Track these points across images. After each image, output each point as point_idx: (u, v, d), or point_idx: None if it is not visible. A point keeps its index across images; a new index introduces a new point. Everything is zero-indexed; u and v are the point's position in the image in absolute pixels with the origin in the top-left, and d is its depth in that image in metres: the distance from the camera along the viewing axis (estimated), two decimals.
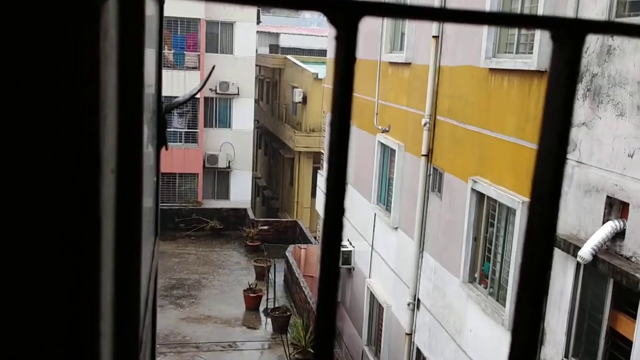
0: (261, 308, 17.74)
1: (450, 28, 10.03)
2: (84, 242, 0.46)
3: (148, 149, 1.20)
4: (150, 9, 1.10)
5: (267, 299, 17.48)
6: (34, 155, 0.44)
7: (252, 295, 17.69)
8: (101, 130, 0.45)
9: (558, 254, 6.95)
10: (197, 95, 25.54)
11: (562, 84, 0.42)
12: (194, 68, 25.69)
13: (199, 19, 25.66)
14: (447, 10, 0.44)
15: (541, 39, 7.40)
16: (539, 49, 7.42)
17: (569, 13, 6.91)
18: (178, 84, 25.15)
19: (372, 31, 13.51)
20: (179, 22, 25.70)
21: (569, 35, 0.42)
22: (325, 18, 0.44)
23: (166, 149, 1.48)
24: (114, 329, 0.60)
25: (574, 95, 0.43)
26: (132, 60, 0.61)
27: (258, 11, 27.65)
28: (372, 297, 13.34)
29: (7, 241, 0.45)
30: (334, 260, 0.43)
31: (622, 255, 6.04)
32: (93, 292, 0.46)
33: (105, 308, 0.53)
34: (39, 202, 0.45)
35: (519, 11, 8.24)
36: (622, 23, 0.47)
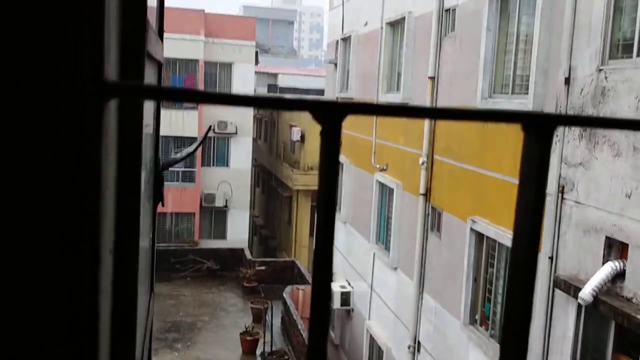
0: (258, 352, 17.46)
1: (446, 70, 10.17)
2: (80, 330, 0.45)
3: (146, 207, 1.20)
4: (148, 74, 1.11)
5: (264, 342, 17.22)
6: (35, 247, 0.44)
7: (248, 338, 17.43)
8: (102, 222, 0.45)
9: (559, 295, 6.89)
10: (196, 135, 25.68)
11: (535, 172, 0.45)
12: (192, 108, 25.90)
13: (198, 60, 26.01)
14: (423, 107, 0.47)
15: (536, 80, 7.50)
16: (535, 90, 7.51)
17: (563, 57, 7.01)
18: (176, 123, 25.33)
19: (369, 71, 13.70)
20: (177, 63, 26.03)
21: (539, 128, 0.45)
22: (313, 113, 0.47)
23: (162, 205, 1.48)
24: None
25: (545, 182, 0.47)
26: (131, 148, 0.62)
27: (256, 52, 28.06)
28: (372, 340, 13.16)
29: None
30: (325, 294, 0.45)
31: (622, 296, 5.99)
32: None
33: None
34: (41, 285, 0.45)
35: (512, 58, 8.36)
36: (590, 117, 0.54)
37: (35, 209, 0.44)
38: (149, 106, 1.37)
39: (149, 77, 1.14)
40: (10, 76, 0.42)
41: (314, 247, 0.50)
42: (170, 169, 26.12)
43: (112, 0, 0.54)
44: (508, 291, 0.55)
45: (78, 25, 0.42)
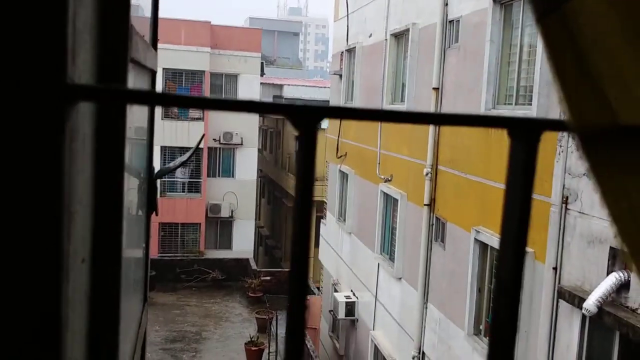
0: None
1: (450, 80, 10.18)
2: (44, 335, 0.45)
3: (138, 216, 1.20)
4: (141, 82, 1.12)
5: (269, 353, 17.15)
6: None
7: (253, 348, 17.37)
8: (64, 230, 0.45)
9: (563, 306, 6.84)
10: (201, 146, 25.76)
11: (521, 178, 0.44)
12: (197, 119, 25.99)
13: (204, 71, 26.12)
14: (402, 112, 0.46)
15: (540, 91, 7.49)
16: (538, 101, 7.50)
17: None
18: (182, 134, 25.41)
19: (374, 82, 13.73)
20: (184, 74, 26.16)
21: (525, 133, 0.44)
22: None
23: (156, 214, 1.48)
24: None
25: (531, 188, 0.46)
26: (111, 156, 0.62)
27: (262, 63, 28.18)
28: (377, 350, 13.08)
29: None
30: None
31: (627, 307, 5.95)
32: None
33: None
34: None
35: (516, 69, 8.36)
36: None
37: None
38: (142, 115, 1.37)
39: (140, 84, 1.14)
40: None
41: (290, 254, 0.50)
42: (176, 179, 26.21)
43: (84, 4, 0.54)
44: (494, 297, 0.54)
45: (38, 27, 0.42)
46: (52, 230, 0.44)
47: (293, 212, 0.47)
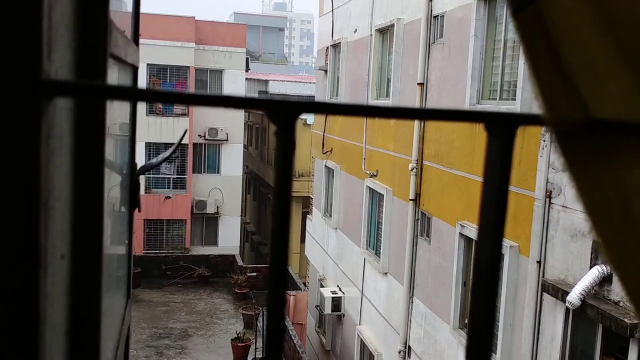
0: (249, 358, 17.39)
1: (435, 76, 10.22)
2: (22, 331, 0.44)
3: (120, 212, 1.19)
4: (123, 79, 1.11)
5: (255, 349, 17.16)
6: None
7: (240, 344, 17.36)
8: (41, 226, 0.44)
9: (547, 299, 6.92)
10: (186, 142, 25.65)
11: (498, 171, 0.44)
12: (182, 115, 25.86)
13: (188, 67, 25.99)
14: (380, 107, 0.46)
15: (523, 86, 7.55)
16: (522, 95, 7.56)
17: None
18: (167, 130, 25.27)
19: (359, 77, 13.74)
20: (168, 70, 26.00)
21: (501, 128, 0.45)
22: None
23: (139, 210, 1.47)
24: None
25: (508, 181, 0.46)
26: (90, 152, 0.62)
27: (247, 59, 28.08)
28: (363, 345, 13.14)
29: None
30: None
31: (610, 299, 6.02)
32: None
33: None
34: None
35: (500, 64, 8.42)
36: None
37: None
38: (124, 111, 1.36)
39: (121, 80, 1.13)
40: None
41: (269, 250, 0.50)
42: (161, 176, 26.07)
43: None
44: (473, 287, 0.54)
45: (12, 22, 0.42)
46: (28, 226, 0.44)
47: (272, 206, 0.47)
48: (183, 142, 25.43)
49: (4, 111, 0.42)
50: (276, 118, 0.45)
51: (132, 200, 1.38)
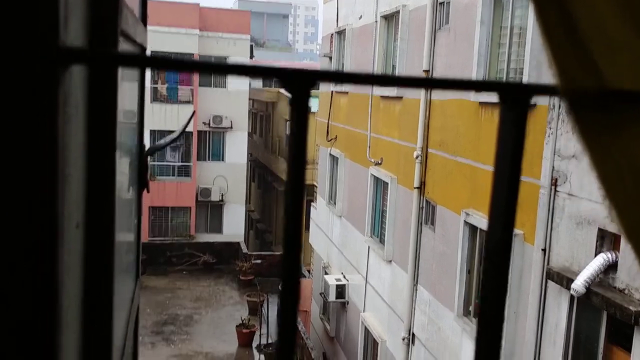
0: (254, 344, 17.50)
1: (441, 63, 10.17)
2: (40, 298, 0.45)
3: (129, 192, 1.20)
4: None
5: (260, 335, 17.26)
6: None
7: (245, 330, 17.47)
8: (59, 192, 0.45)
9: (552, 286, 6.92)
10: (191, 129, 25.66)
11: (511, 142, 0.44)
12: (187, 102, 25.84)
13: (193, 54, 25.92)
14: (394, 77, 0.46)
15: (530, 73, 7.51)
16: (528, 82, 7.51)
17: None
18: (171, 117, 25.27)
19: (364, 64, 13.69)
20: (172, 57, 25.90)
21: (515, 98, 0.44)
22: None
23: (147, 191, 1.48)
24: None
25: (521, 152, 0.46)
26: (103, 122, 0.62)
27: (251, 46, 27.99)
28: (367, 332, 13.20)
29: None
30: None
31: (615, 287, 6.02)
32: (51, 351, 0.46)
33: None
34: None
35: (506, 50, 8.37)
36: None
37: None
38: (132, 92, 1.36)
39: None
40: None
41: (282, 233, 0.50)
42: (166, 163, 26.11)
43: None
44: (484, 269, 0.54)
45: None
46: (47, 191, 0.44)
47: (285, 183, 0.47)
48: (187, 129, 25.45)
49: (25, 77, 0.42)
50: (291, 87, 0.45)
51: (141, 181, 1.39)
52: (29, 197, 0.44)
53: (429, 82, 0.48)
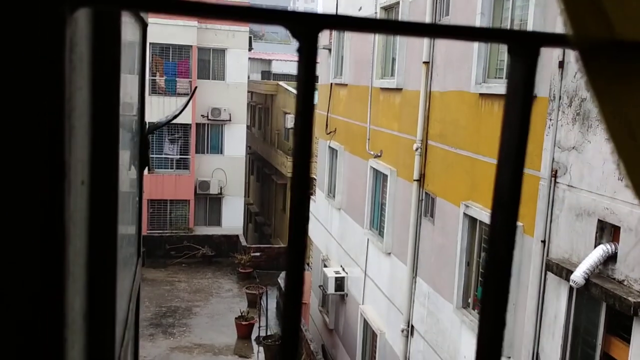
0: (253, 336, 17.54)
1: (441, 54, 10.15)
2: (47, 253, 0.44)
3: (130, 170, 1.19)
4: (132, 34, 1.10)
5: (259, 327, 17.29)
6: None
7: (244, 323, 17.50)
8: (66, 139, 0.44)
9: (551, 278, 6.93)
10: (189, 122, 25.61)
11: (520, 95, 0.43)
12: (185, 94, 25.78)
13: (191, 46, 25.85)
14: (404, 22, 0.45)
15: None
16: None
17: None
18: (170, 110, 25.20)
19: (363, 57, 13.65)
20: (170, 49, 25.86)
21: (524, 47, 0.43)
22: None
23: (149, 171, 1.47)
24: (86, 345, 0.58)
25: (530, 107, 0.45)
26: (107, 75, 0.61)
27: (250, 38, 27.91)
28: (366, 324, 13.23)
29: None
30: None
31: (614, 278, 6.03)
32: (58, 305, 0.45)
33: (74, 323, 0.51)
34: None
35: (505, 58, 8.34)
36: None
37: None
38: (132, 79, 1.35)
39: (133, 35, 1.12)
40: None
41: (290, 189, 0.49)
42: (164, 156, 26.07)
43: None
44: (488, 249, 0.53)
45: None
46: (54, 137, 0.43)
47: (294, 136, 0.46)
48: (186, 122, 25.41)
49: (32, 20, 0.41)
50: (299, 32, 0.43)
51: (142, 158, 1.38)
52: (36, 140, 0.43)
53: (437, 30, 0.47)
